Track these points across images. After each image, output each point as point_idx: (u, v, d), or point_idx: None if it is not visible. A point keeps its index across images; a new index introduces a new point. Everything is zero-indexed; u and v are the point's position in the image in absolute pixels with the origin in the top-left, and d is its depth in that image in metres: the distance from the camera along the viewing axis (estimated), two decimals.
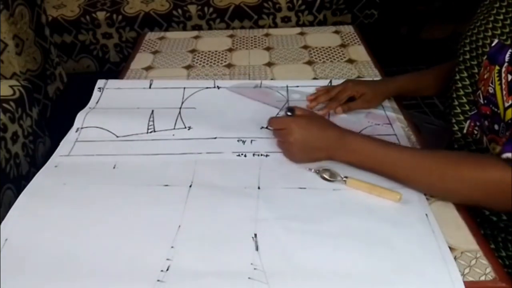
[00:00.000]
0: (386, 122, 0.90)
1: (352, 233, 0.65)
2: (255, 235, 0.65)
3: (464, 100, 0.78)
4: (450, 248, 0.62)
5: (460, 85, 0.79)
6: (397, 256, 0.61)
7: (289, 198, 0.72)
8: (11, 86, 1.15)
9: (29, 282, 0.60)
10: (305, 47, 1.23)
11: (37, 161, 1.18)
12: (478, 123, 0.76)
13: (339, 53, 1.19)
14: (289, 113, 0.80)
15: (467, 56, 0.77)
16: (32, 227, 0.68)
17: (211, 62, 1.17)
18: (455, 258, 0.60)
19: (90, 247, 0.64)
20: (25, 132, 1.13)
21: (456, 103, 0.80)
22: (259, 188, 0.74)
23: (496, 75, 0.69)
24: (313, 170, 0.75)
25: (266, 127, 0.86)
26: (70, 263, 0.62)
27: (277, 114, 0.93)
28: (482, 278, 0.58)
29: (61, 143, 0.87)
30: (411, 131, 0.87)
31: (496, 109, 0.70)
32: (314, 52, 1.20)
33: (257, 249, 0.63)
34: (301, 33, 1.32)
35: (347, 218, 0.67)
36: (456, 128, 0.80)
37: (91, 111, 0.94)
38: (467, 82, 0.78)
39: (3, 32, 1.39)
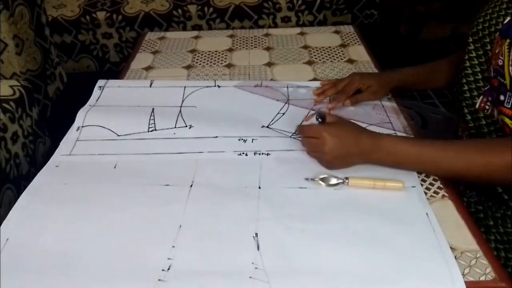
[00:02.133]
0: (393, 114, 0.91)
1: (352, 232, 0.65)
2: (256, 234, 0.65)
3: (479, 76, 0.80)
4: (450, 248, 0.62)
5: (475, 61, 0.81)
6: (398, 255, 0.61)
7: (290, 198, 0.72)
8: (11, 86, 1.15)
9: (30, 282, 0.60)
10: (305, 47, 1.23)
11: (37, 161, 1.18)
12: (490, 98, 0.78)
13: (339, 53, 1.19)
14: (319, 120, 0.80)
15: (481, 35, 0.80)
16: (33, 227, 0.68)
17: (211, 62, 1.17)
18: (455, 258, 0.60)
19: (91, 247, 0.64)
20: (25, 132, 1.13)
21: (471, 78, 0.81)
22: (260, 187, 0.74)
23: (506, 47, 0.72)
24: (310, 180, 0.74)
25: (293, 134, 0.85)
26: (71, 263, 0.62)
27: (276, 115, 0.93)
28: (482, 278, 0.58)
29: (62, 142, 0.87)
30: (409, 125, 0.89)
31: (503, 80, 0.72)
32: (314, 52, 1.20)
33: (258, 248, 0.63)
34: (301, 33, 1.32)
35: (348, 217, 0.67)
36: (469, 102, 0.81)
37: (91, 110, 0.94)
38: (482, 59, 0.80)
39: (3, 32, 1.39)
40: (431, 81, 1.00)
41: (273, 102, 0.97)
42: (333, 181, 0.73)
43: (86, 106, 0.95)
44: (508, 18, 0.75)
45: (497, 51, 0.75)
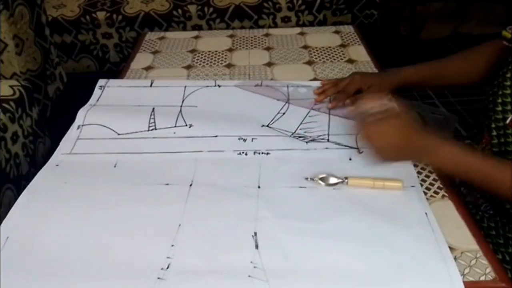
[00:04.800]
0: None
1: (351, 232, 0.65)
2: (255, 233, 0.65)
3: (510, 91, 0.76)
4: (450, 248, 0.62)
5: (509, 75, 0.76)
6: (396, 255, 0.61)
7: (289, 197, 0.72)
8: (11, 86, 1.15)
9: (30, 280, 0.60)
10: (305, 47, 1.23)
11: (37, 161, 1.18)
12: None
13: (339, 53, 1.19)
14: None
15: None
16: (34, 225, 0.68)
17: (211, 62, 1.17)
18: (455, 258, 0.60)
19: (91, 245, 0.64)
20: (25, 132, 1.13)
21: (508, 91, 0.76)
22: (259, 187, 0.74)
23: None
24: (309, 179, 0.74)
25: (293, 133, 0.85)
26: (71, 261, 0.62)
27: (276, 115, 0.92)
28: (482, 278, 0.58)
29: (62, 141, 0.87)
30: None
31: None
32: (314, 52, 1.20)
33: (256, 247, 0.63)
34: (301, 33, 1.32)
35: (346, 217, 0.68)
36: (500, 116, 0.76)
37: (92, 108, 0.94)
38: None
39: (3, 32, 1.39)
40: (439, 80, 0.97)
41: (273, 102, 0.97)
42: (333, 180, 0.73)
43: (87, 105, 0.96)
44: None
45: None
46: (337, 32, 1.31)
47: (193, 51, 1.23)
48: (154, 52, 1.23)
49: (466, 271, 0.59)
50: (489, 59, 0.87)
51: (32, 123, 1.18)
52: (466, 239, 0.64)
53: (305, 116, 0.92)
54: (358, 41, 1.26)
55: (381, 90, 0.93)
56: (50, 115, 1.64)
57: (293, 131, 0.86)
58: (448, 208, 0.69)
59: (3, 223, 0.68)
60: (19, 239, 0.66)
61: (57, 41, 2.14)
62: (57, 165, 0.81)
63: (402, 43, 2.56)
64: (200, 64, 1.16)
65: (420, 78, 0.97)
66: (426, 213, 0.67)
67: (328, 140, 0.85)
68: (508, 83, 0.76)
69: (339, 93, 0.94)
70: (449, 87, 1.04)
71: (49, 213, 0.70)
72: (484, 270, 0.59)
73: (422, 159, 0.74)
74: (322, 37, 1.29)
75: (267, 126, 0.88)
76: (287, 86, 1.02)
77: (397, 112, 0.71)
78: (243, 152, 0.82)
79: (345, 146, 0.83)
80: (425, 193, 0.72)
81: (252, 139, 0.85)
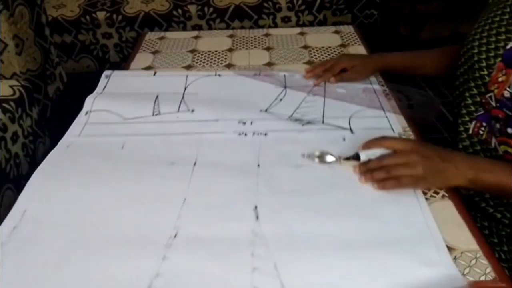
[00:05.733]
0: (382, 96, 0.98)
1: (345, 205, 0.70)
2: (256, 207, 0.69)
3: (470, 101, 0.79)
4: (450, 248, 0.62)
5: (466, 86, 0.79)
6: (385, 228, 0.65)
7: (287, 175, 0.76)
8: (11, 86, 1.15)
9: (46, 250, 0.63)
10: (305, 47, 1.23)
11: (37, 161, 1.18)
12: (484, 124, 0.76)
13: (339, 53, 1.19)
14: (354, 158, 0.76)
15: (476, 58, 0.77)
16: (48, 199, 0.72)
17: (211, 62, 1.17)
18: (455, 258, 0.60)
19: (103, 218, 0.69)
20: (25, 132, 1.13)
21: (463, 104, 0.80)
22: (258, 165, 0.79)
23: None
24: (306, 156, 0.78)
25: (290, 117, 0.91)
26: (85, 232, 0.66)
27: (274, 100, 0.97)
28: (482, 278, 0.58)
29: (72, 125, 0.91)
30: (397, 106, 0.94)
31: (511, 113, 0.70)
32: (314, 52, 1.20)
33: (257, 218, 0.67)
34: (301, 33, 1.32)
35: (341, 192, 0.73)
36: (461, 128, 0.80)
37: (99, 96, 0.99)
38: (472, 84, 0.78)
39: (3, 32, 1.39)
40: (421, 68, 1.03)
41: (271, 88, 1.02)
42: (329, 159, 0.77)
43: (94, 93, 1.01)
44: (511, 44, 0.71)
45: (500, 79, 0.72)
46: (337, 32, 1.32)
47: (193, 51, 1.23)
48: (154, 52, 1.23)
49: (466, 271, 0.59)
50: None
51: (32, 123, 1.18)
52: (466, 239, 0.64)
53: (301, 102, 0.97)
54: (358, 41, 1.26)
55: (364, 70, 1.03)
56: (50, 115, 1.64)
57: (290, 115, 0.92)
58: (448, 208, 0.69)
59: (20, 197, 0.72)
60: (35, 212, 0.70)
61: (57, 41, 2.14)
62: (67, 147, 0.85)
63: (402, 43, 2.56)
64: (200, 64, 1.16)
65: (403, 65, 1.04)
66: (414, 190, 0.71)
67: (323, 122, 0.90)
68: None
69: (326, 72, 1.02)
70: (430, 77, 1.16)
71: (62, 188, 0.75)
72: (484, 270, 0.59)
73: (465, 179, 0.68)
74: (322, 37, 1.29)
75: (265, 111, 0.93)
76: (284, 75, 1.07)
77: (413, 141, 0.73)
78: (243, 133, 0.87)
79: (339, 127, 0.88)
80: (425, 193, 0.71)
81: (251, 122, 0.90)
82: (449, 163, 0.68)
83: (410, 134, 0.86)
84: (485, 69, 0.75)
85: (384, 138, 0.74)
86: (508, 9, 0.74)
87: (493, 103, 0.73)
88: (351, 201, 0.70)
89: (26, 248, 0.64)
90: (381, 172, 0.70)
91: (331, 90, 1.00)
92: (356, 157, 0.75)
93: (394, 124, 0.89)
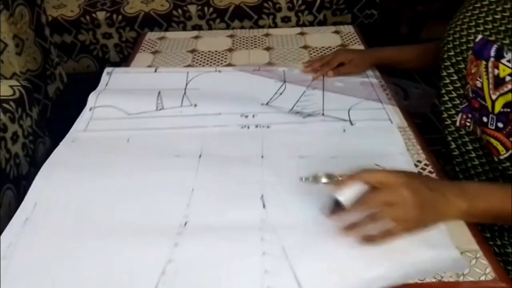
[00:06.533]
0: (379, 89, 1.00)
1: None
2: (262, 195, 0.71)
3: (454, 94, 0.81)
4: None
5: (448, 80, 0.81)
6: None
7: (290, 166, 0.77)
8: (11, 86, 1.15)
9: (59, 239, 0.65)
10: (305, 47, 1.23)
11: (37, 161, 1.18)
12: (470, 115, 0.78)
13: None
14: (336, 206, 0.63)
15: (452, 53, 0.80)
16: (57, 191, 0.74)
17: (211, 62, 1.17)
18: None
19: (113, 208, 0.70)
20: (25, 132, 1.13)
21: (447, 98, 0.82)
22: (262, 156, 0.80)
23: (483, 69, 0.71)
24: (304, 179, 0.70)
25: (291, 110, 0.92)
26: (96, 222, 0.68)
27: (275, 94, 0.99)
28: (482, 278, 0.58)
29: (76, 121, 0.92)
30: (393, 98, 0.97)
31: (483, 102, 0.72)
32: (314, 52, 1.20)
33: (264, 206, 0.69)
34: (301, 33, 1.32)
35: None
36: (448, 122, 0.82)
37: (102, 92, 1.01)
38: (455, 77, 0.80)
39: (3, 32, 1.39)
40: (409, 63, 1.05)
41: (271, 83, 1.04)
42: (324, 180, 0.69)
43: (97, 90, 1.02)
44: (480, 36, 0.73)
45: (473, 71, 0.74)
46: (337, 32, 1.32)
47: (193, 51, 1.23)
48: (154, 52, 1.23)
49: (466, 271, 0.59)
50: None
51: (32, 123, 1.18)
52: (466, 239, 0.64)
53: (301, 95, 0.99)
54: (358, 41, 1.26)
55: (361, 64, 1.06)
56: (50, 115, 1.64)
57: (291, 108, 0.94)
58: None
59: (30, 190, 0.74)
60: (45, 204, 0.71)
61: (57, 41, 2.14)
62: (73, 141, 0.87)
63: (402, 43, 2.56)
64: (200, 64, 1.16)
65: (399, 59, 1.06)
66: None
67: (323, 114, 0.92)
68: (443, 91, 0.81)
69: (324, 66, 1.05)
70: (417, 70, 1.27)
71: (71, 180, 0.76)
72: (484, 270, 0.59)
73: (459, 211, 0.61)
74: (322, 37, 1.29)
75: (267, 104, 0.96)
76: (283, 70, 1.09)
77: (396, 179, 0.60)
78: (245, 126, 0.89)
79: (339, 119, 0.90)
80: None
81: (253, 115, 0.92)
82: (438, 194, 0.60)
83: (410, 134, 0.86)
84: (462, 63, 0.78)
85: (364, 172, 0.61)
86: (478, 4, 0.76)
87: (470, 94, 0.75)
88: None
89: (39, 238, 0.65)
90: (368, 224, 0.59)
91: (330, 83, 1.03)
92: (336, 203, 0.62)
93: (392, 115, 0.92)
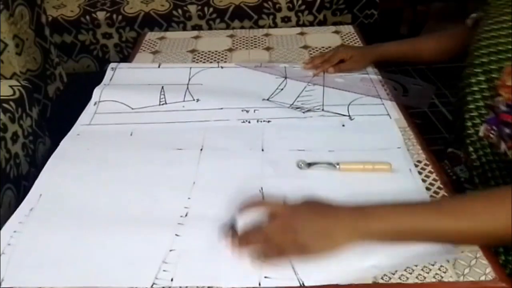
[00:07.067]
0: (379, 85, 1.02)
1: (344, 185, 0.73)
2: (261, 188, 0.73)
3: (481, 103, 0.77)
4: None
5: (476, 88, 0.77)
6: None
7: (289, 159, 0.79)
8: (11, 86, 1.15)
9: (63, 229, 0.67)
10: (305, 47, 1.23)
11: (37, 161, 1.18)
12: (495, 128, 0.74)
13: None
14: (232, 229, 0.64)
15: (485, 60, 0.75)
16: (63, 184, 0.76)
17: (211, 62, 1.16)
18: (455, 258, 0.60)
19: (116, 200, 0.72)
20: (25, 132, 1.13)
21: (473, 106, 0.78)
22: (262, 150, 0.82)
23: None
24: (301, 165, 0.78)
25: (291, 105, 0.94)
26: (100, 213, 0.69)
27: (276, 90, 1.01)
28: (482, 278, 0.58)
29: (81, 116, 0.95)
30: (392, 94, 0.98)
31: None
32: (314, 52, 1.20)
33: (263, 199, 0.70)
34: (301, 33, 1.32)
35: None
36: (471, 131, 0.78)
37: (106, 87, 1.03)
38: (485, 86, 0.76)
39: (3, 32, 1.39)
40: (417, 56, 1.06)
41: (273, 78, 1.06)
42: (323, 166, 0.77)
43: (101, 85, 1.04)
44: None
45: (508, 83, 0.70)
46: (337, 32, 1.32)
47: (193, 51, 1.23)
48: (154, 52, 1.23)
49: (466, 271, 0.59)
50: (458, 42, 0.96)
51: (32, 123, 1.18)
52: None
53: (302, 91, 1.01)
54: (358, 41, 1.26)
55: (361, 60, 1.07)
56: (50, 115, 1.64)
57: (291, 103, 0.96)
58: None
59: (36, 182, 0.76)
60: (50, 196, 0.73)
61: (57, 41, 2.14)
62: (78, 135, 0.89)
63: None
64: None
65: (400, 54, 1.07)
66: (410, 169, 0.76)
67: (323, 110, 0.94)
68: (471, 98, 0.78)
69: (324, 62, 1.07)
70: (426, 63, 1.33)
71: (76, 173, 0.78)
72: (484, 270, 0.59)
73: (356, 230, 0.58)
74: (322, 37, 1.29)
75: (268, 99, 0.97)
76: (284, 66, 1.11)
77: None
78: (246, 121, 0.91)
79: (339, 114, 0.92)
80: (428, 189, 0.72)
81: (254, 110, 0.94)
82: (332, 219, 0.59)
83: (410, 134, 0.86)
84: (494, 72, 0.73)
85: (262, 202, 0.67)
86: None
87: (503, 108, 0.71)
88: (353, 181, 0.74)
89: (43, 227, 0.67)
90: (259, 241, 0.59)
91: (330, 79, 1.04)
92: (233, 225, 0.64)
93: (390, 110, 0.93)
